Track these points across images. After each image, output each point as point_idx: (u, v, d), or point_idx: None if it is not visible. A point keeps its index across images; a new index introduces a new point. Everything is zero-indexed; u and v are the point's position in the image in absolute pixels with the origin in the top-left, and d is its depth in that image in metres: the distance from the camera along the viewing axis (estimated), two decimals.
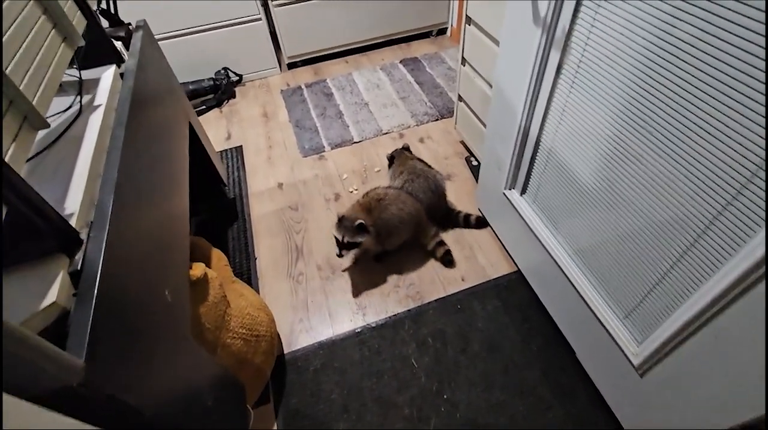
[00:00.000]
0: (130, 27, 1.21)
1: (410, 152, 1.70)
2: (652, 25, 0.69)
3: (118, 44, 1.13)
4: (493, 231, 1.60)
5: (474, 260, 1.53)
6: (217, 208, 1.78)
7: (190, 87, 2.30)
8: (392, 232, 1.45)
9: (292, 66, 2.63)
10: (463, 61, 1.66)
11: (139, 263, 0.72)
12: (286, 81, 2.52)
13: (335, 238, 1.38)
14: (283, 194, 1.85)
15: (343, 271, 1.54)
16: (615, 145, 0.85)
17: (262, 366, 1.16)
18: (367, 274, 1.53)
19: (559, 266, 1.15)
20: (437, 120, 2.14)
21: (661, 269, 0.82)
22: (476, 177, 1.80)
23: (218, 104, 2.38)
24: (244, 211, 1.79)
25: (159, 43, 2.15)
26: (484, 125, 1.63)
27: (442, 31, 2.79)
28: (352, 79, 2.45)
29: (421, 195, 1.55)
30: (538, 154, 1.16)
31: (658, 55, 0.70)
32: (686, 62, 0.65)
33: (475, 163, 1.86)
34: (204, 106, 2.35)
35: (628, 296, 0.94)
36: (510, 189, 1.34)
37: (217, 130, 2.23)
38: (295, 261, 1.59)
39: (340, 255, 1.39)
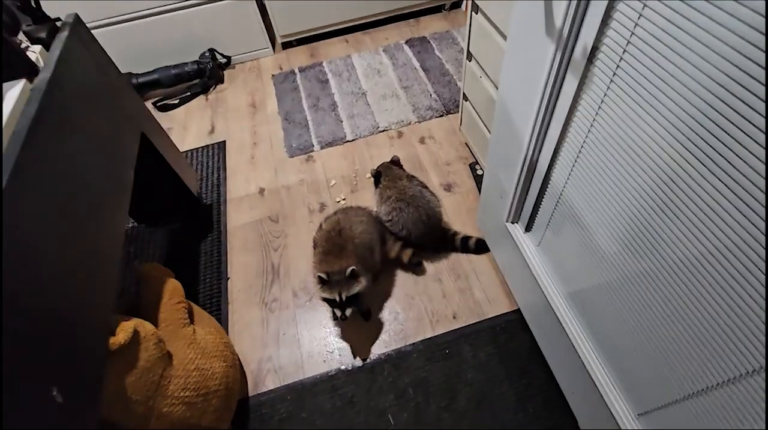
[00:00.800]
0: (57, 24, 1.01)
1: (400, 166, 1.48)
2: (735, 49, 0.45)
3: (37, 49, 0.93)
4: (494, 257, 1.39)
5: (469, 294, 1.34)
6: (191, 217, 1.62)
7: (172, 72, 2.10)
8: (372, 249, 1.28)
9: (287, 45, 2.38)
10: (469, 55, 1.39)
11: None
12: (279, 63, 2.28)
13: (328, 301, 1.15)
14: (264, 202, 1.67)
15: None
16: (648, 210, 0.62)
17: (214, 425, 1.03)
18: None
19: (564, 330, 0.95)
20: (442, 116, 1.88)
21: (706, 383, 0.61)
22: (480, 189, 1.57)
23: (204, 91, 2.17)
24: (221, 220, 1.63)
25: (133, 23, 1.92)
26: (488, 130, 1.38)
27: (456, 5, 2.45)
28: (351, 63, 2.19)
29: (411, 226, 1.35)
30: (546, 193, 0.93)
31: (735, 95, 0.46)
32: None
33: (480, 172, 1.62)
34: (189, 93, 2.15)
35: (652, 394, 0.74)
36: (513, 223, 1.12)
37: (201, 121, 2.04)
38: (270, 284, 1.43)
39: (344, 318, 1.14)
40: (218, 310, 1.38)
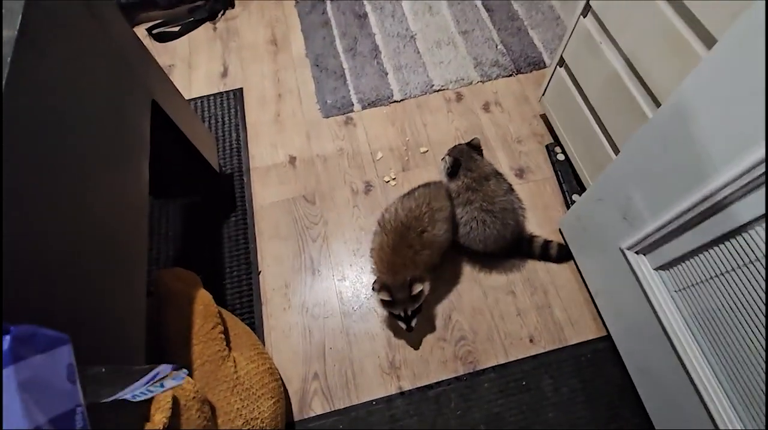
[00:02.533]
0: None
1: (480, 153, 1.18)
2: None
3: None
4: (578, 268, 1.18)
5: (548, 312, 1.15)
6: (209, 190, 1.33)
7: None
8: (445, 249, 1.12)
9: None
10: (587, 10, 1.04)
11: None
12: None
13: (392, 313, 1.04)
14: (296, 176, 1.38)
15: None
16: None
17: None
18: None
19: (693, 381, 0.78)
20: (510, 76, 1.54)
21: None
22: (561, 180, 1.31)
23: (211, 16, 1.74)
24: (245, 196, 1.35)
25: None
26: (596, 118, 1.09)
27: None
28: None
29: (491, 244, 1.10)
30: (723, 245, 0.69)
31: None
32: None
33: (561, 156, 1.34)
34: (192, 18, 1.72)
35: None
36: (638, 254, 0.89)
37: (209, 59, 1.65)
38: (311, 284, 1.21)
39: (410, 328, 1.04)
40: (250, 312, 1.17)
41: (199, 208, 1.33)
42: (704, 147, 0.66)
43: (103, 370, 0.47)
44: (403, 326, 1.03)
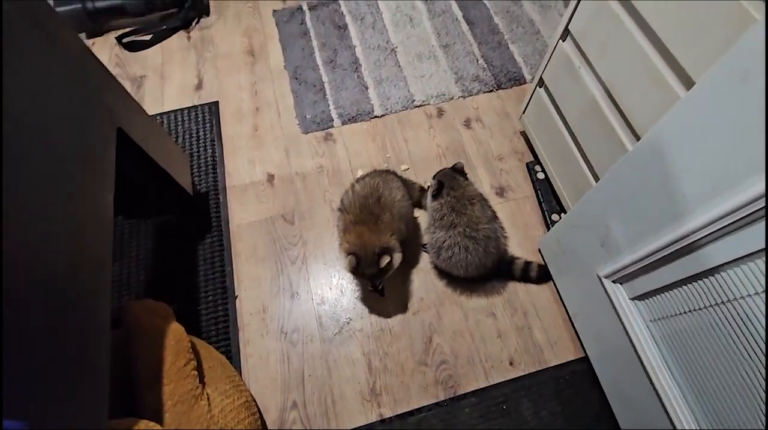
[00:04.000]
0: None
1: (465, 176, 1.17)
2: None
3: None
4: (557, 289, 1.19)
5: (528, 333, 1.15)
6: (182, 210, 1.29)
7: None
8: (408, 220, 1.17)
9: None
10: (566, 34, 1.04)
11: None
12: None
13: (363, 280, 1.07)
14: (275, 194, 1.35)
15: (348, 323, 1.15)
16: None
17: None
18: (384, 337, 1.14)
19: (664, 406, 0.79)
20: (491, 92, 1.53)
21: None
22: (541, 199, 1.31)
23: (185, 25, 1.68)
24: (221, 215, 1.31)
25: None
26: (575, 141, 1.10)
27: None
28: (376, 4, 1.73)
29: (472, 271, 1.10)
30: (696, 283, 0.70)
31: None
32: None
33: (541, 175, 1.35)
34: (164, 26, 1.65)
35: None
36: (615, 283, 0.90)
37: (183, 69, 1.59)
38: (289, 309, 1.18)
39: (380, 293, 1.15)
40: (226, 339, 1.14)
41: (173, 229, 1.28)
42: (680, 187, 0.66)
43: None
44: (369, 288, 1.11)
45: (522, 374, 1.10)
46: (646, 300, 0.83)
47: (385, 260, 0.98)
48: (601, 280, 0.92)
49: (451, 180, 1.12)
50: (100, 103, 0.79)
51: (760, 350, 0.60)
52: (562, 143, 1.16)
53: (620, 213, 0.83)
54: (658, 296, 0.80)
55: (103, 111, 0.80)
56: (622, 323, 0.88)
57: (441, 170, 1.18)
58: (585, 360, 1.11)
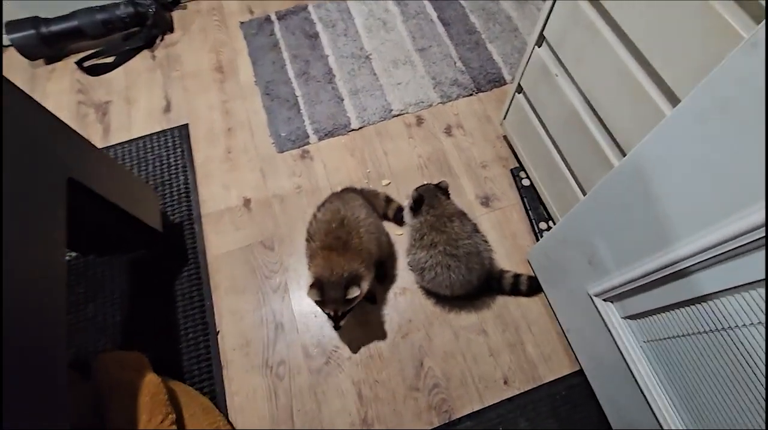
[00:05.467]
0: None
1: (447, 195, 1.12)
2: None
3: None
4: (548, 301, 1.15)
5: (520, 349, 1.12)
6: (155, 245, 1.23)
7: (98, 17, 1.50)
8: (380, 236, 1.10)
9: None
10: (541, 40, 0.99)
11: None
12: (248, 5, 1.70)
13: (325, 312, 0.97)
14: (252, 219, 1.29)
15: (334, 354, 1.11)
16: None
17: None
18: (374, 363, 1.11)
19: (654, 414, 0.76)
20: (471, 95, 1.48)
21: None
22: (527, 207, 1.27)
23: (148, 44, 1.61)
24: (197, 247, 1.26)
25: None
26: (557, 149, 1.05)
27: None
28: (347, 8, 1.66)
29: (457, 288, 1.06)
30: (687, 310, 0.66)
31: None
32: None
33: (526, 182, 1.30)
34: (127, 47, 1.58)
35: None
36: (606, 301, 0.86)
37: (149, 92, 1.52)
38: (273, 340, 1.14)
39: (338, 327, 0.98)
40: (210, 378, 1.09)
41: (147, 264, 1.23)
42: (666, 212, 0.63)
43: None
44: (330, 323, 0.98)
45: (517, 392, 1.07)
46: (639, 320, 0.80)
47: (354, 291, 0.91)
48: (591, 297, 0.89)
49: (432, 198, 1.08)
50: (46, 155, 0.73)
51: (759, 378, 0.57)
52: (545, 151, 1.11)
53: (605, 232, 0.79)
54: (651, 318, 0.76)
55: (51, 162, 0.74)
56: (615, 342, 0.85)
57: (424, 185, 1.14)
58: (580, 373, 1.08)
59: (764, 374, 0.56)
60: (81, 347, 1.12)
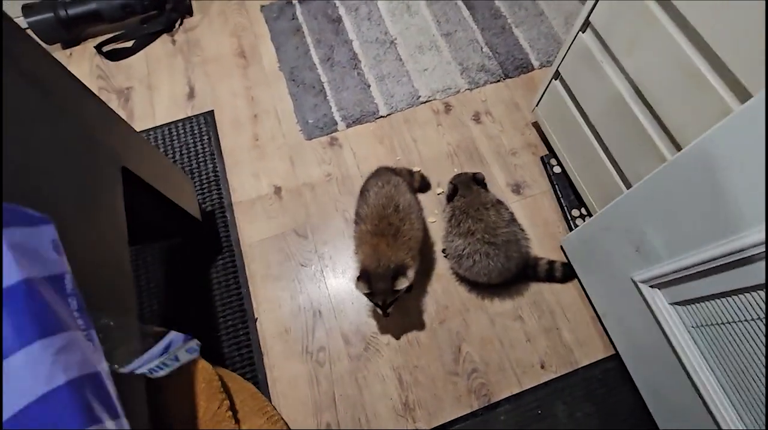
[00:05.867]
0: None
1: (484, 186, 1.13)
2: None
3: None
4: (582, 287, 1.17)
5: (556, 335, 1.14)
6: (190, 233, 1.23)
7: (116, 1, 1.46)
8: (424, 222, 1.13)
9: None
10: (586, 25, 0.98)
11: None
12: None
13: (373, 302, 0.99)
14: (284, 208, 1.29)
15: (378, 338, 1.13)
16: None
17: None
18: (413, 349, 1.13)
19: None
20: (498, 81, 1.47)
21: None
22: (559, 194, 1.28)
23: (168, 28, 1.57)
24: (230, 235, 1.25)
25: None
26: (598, 138, 1.05)
27: None
28: None
29: (495, 276, 1.08)
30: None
31: None
32: None
33: (557, 169, 1.31)
34: (146, 31, 1.54)
35: None
36: (652, 287, 0.88)
37: (172, 78, 1.49)
38: (312, 328, 1.15)
39: (386, 315, 1.01)
40: (251, 364, 1.11)
41: (182, 252, 1.23)
42: (734, 202, 0.63)
43: (111, 323, 0.47)
44: (379, 311, 1.00)
45: (554, 376, 1.10)
46: (688, 306, 0.82)
47: (402, 283, 0.93)
48: (636, 284, 0.90)
49: (466, 188, 1.09)
50: (102, 145, 0.72)
51: None
52: (582, 139, 1.11)
53: (659, 221, 0.80)
54: (701, 304, 0.78)
55: (107, 153, 0.73)
56: (661, 327, 0.87)
57: (461, 174, 1.15)
58: (615, 357, 1.11)
59: None
60: None
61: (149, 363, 0.48)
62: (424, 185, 1.29)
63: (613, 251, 0.97)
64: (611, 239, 0.96)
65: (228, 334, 1.14)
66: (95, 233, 0.66)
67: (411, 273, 0.96)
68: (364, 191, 1.09)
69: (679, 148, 0.83)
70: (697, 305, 0.79)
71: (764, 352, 0.68)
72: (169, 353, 0.50)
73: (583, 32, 1.00)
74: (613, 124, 1.00)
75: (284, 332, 1.14)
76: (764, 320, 0.64)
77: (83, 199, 0.65)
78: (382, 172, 1.13)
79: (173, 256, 1.22)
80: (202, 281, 1.19)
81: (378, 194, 1.05)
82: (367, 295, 0.96)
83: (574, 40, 1.03)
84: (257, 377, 1.09)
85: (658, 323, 0.87)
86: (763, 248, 0.61)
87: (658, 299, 0.87)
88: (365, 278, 0.93)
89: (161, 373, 0.51)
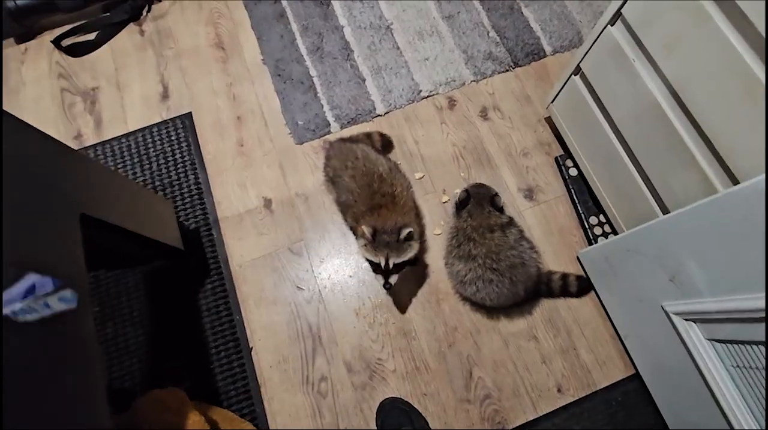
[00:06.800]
0: None
1: (500, 209, 1.02)
2: None
3: None
4: (600, 301, 1.09)
5: (573, 355, 1.07)
6: (171, 256, 1.12)
7: None
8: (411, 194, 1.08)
9: None
10: (616, 17, 0.84)
11: None
12: None
13: (372, 263, 0.95)
14: (275, 222, 1.18)
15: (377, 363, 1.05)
16: None
17: None
18: (421, 375, 1.05)
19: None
20: (507, 71, 1.33)
21: None
22: (576, 200, 1.18)
23: (134, 16, 1.39)
24: (218, 255, 1.15)
25: None
26: (623, 143, 0.94)
27: None
28: None
29: (501, 301, 1.00)
30: None
31: None
32: None
33: (573, 172, 1.20)
34: (109, 21, 1.36)
35: None
36: (688, 320, 0.79)
37: (142, 75, 1.33)
38: (312, 355, 1.07)
39: (388, 285, 0.94)
40: (248, 399, 1.03)
41: (166, 276, 1.12)
42: None
43: None
44: (380, 280, 0.94)
45: (571, 400, 1.04)
46: (730, 345, 0.74)
47: (406, 230, 0.91)
48: (668, 314, 0.82)
49: (477, 206, 0.99)
50: (54, 192, 0.60)
51: None
52: (605, 143, 1.00)
53: (704, 255, 0.70)
54: (748, 346, 0.70)
55: (60, 199, 0.61)
56: (695, 362, 0.79)
57: (480, 187, 1.05)
58: (636, 377, 1.04)
59: None
60: (107, 373, 1.04)
61: (10, 305, 0.47)
62: (386, 143, 1.21)
63: (641, 275, 0.88)
64: (640, 262, 0.87)
65: (221, 365, 1.06)
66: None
67: (416, 244, 0.95)
68: (334, 179, 1.05)
69: (726, 168, 0.72)
70: (741, 346, 0.71)
71: None
72: (35, 297, 0.50)
73: (612, 25, 0.86)
74: (643, 131, 0.88)
75: (282, 361, 1.06)
76: None
77: (32, 250, 0.54)
78: (339, 151, 1.07)
79: (154, 281, 1.11)
80: (190, 307, 1.10)
81: (354, 175, 1.00)
82: (371, 248, 0.92)
83: (601, 34, 0.89)
84: (255, 412, 1.02)
85: (692, 356, 0.80)
86: None
87: (694, 334, 0.78)
88: (371, 232, 0.91)
89: (30, 317, 0.49)
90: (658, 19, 0.75)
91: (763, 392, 0.70)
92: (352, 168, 1.01)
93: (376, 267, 0.95)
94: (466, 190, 1.03)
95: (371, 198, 0.97)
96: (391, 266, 0.92)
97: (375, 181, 0.98)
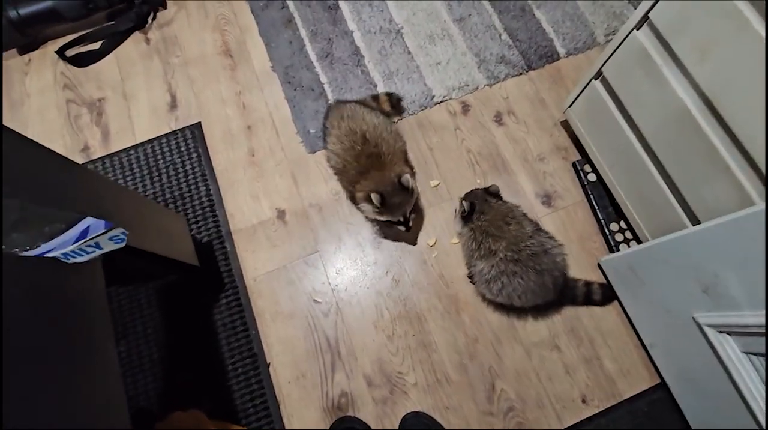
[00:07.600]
0: None
1: (499, 198, 1.01)
2: None
3: None
4: (623, 309, 1.07)
5: (597, 365, 1.05)
6: (185, 271, 1.09)
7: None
8: (399, 132, 1.11)
9: None
10: (644, 21, 0.82)
11: None
12: None
13: (393, 222, 1.02)
14: (289, 234, 1.16)
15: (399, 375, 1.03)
16: None
17: None
18: (442, 388, 1.03)
19: None
20: (521, 75, 1.31)
21: None
22: (595, 206, 1.16)
23: (139, 24, 1.36)
24: (232, 269, 1.12)
25: None
26: (648, 151, 0.92)
27: None
28: None
29: (530, 297, 0.98)
30: None
31: None
32: None
33: (592, 177, 1.18)
34: (114, 29, 1.33)
35: None
36: (722, 333, 0.77)
37: (149, 84, 1.31)
38: (331, 370, 1.05)
39: (409, 228, 1.05)
40: (267, 416, 1.01)
41: (179, 291, 1.10)
42: None
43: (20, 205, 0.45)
44: (402, 229, 1.03)
45: (597, 411, 1.02)
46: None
47: (406, 179, 0.95)
48: (700, 325, 0.80)
49: (483, 203, 0.98)
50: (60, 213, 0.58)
51: None
52: (626, 148, 0.98)
53: (742, 268, 0.68)
54: None
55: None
56: (730, 374, 0.77)
57: (473, 191, 1.04)
58: (661, 386, 1.03)
59: None
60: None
61: (62, 248, 0.48)
62: (395, 103, 1.22)
63: (670, 285, 0.86)
64: (668, 272, 0.85)
65: (239, 382, 1.03)
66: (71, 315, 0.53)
67: (414, 181, 0.99)
68: (326, 138, 1.09)
69: (763, 179, 0.70)
70: None
71: None
72: (87, 238, 0.50)
73: (638, 30, 0.84)
74: (671, 138, 0.86)
75: (301, 377, 1.04)
76: None
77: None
78: (332, 112, 1.09)
79: (169, 296, 1.09)
80: (205, 323, 1.08)
81: (340, 136, 1.02)
82: (383, 211, 0.97)
83: (626, 39, 0.87)
84: (275, 429, 1.00)
85: (726, 368, 0.78)
86: None
87: (728, 346, 0.77)
88: (379, 199, 0.94)
89: (80, 259, 0.50)
90: (690, 23, 0.73)
91: None
92: (337, 128, 1.03)
93: (396, 223, 1.02)
94: (467, 200, 1.00)
95: (357, 160, 0.99)
96: (409, 215, 1.01)
97: (358, 142, 0.99)
